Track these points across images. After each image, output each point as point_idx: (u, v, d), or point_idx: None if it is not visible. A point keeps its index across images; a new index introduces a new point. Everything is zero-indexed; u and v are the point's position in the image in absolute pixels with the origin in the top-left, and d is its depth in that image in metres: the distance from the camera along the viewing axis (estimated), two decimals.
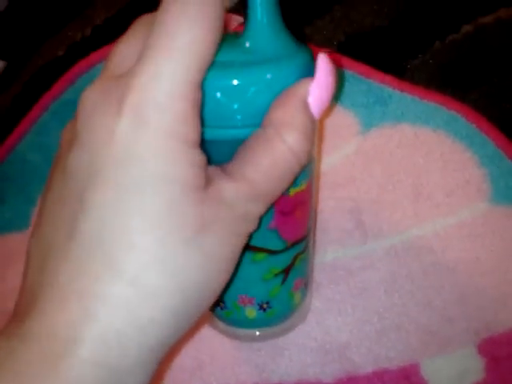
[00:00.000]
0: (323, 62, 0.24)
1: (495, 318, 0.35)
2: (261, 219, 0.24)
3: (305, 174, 0.28)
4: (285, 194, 0.26)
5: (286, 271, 0.30)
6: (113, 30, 0.51)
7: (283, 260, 0.30)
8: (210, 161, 0.23)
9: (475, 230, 0.38)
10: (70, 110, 0.46)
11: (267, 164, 0.22)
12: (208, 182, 0.22)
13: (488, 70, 0.43)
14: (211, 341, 0.36)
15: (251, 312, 0.31)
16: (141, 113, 0.20)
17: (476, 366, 0.34)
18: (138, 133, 0.20)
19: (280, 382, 0.36)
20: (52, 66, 0.51)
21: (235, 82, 0.23)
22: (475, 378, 0.34)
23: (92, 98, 0.23)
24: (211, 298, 0.22)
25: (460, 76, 0.44)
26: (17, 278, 0.42)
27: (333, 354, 0.36)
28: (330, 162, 0.41)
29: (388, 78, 0.43)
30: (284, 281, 0.30)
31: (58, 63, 0.51)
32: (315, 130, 0.25)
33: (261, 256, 0.28)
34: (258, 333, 0.33)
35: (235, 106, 0.23)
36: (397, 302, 0.36)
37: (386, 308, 0.36)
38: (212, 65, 0.22)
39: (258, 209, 0.23)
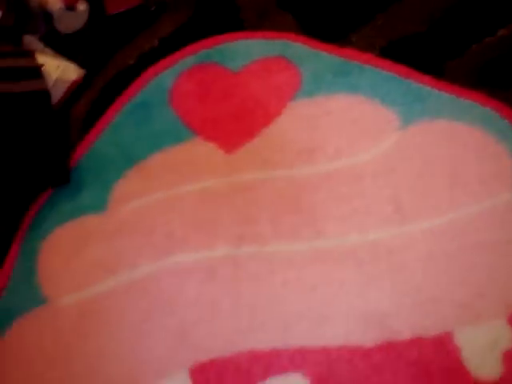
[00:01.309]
0: None
1: None
2: None
3: None
4: None
5: None
6: (177, 42, 0.58)
7: None
8: None
9: (507, 214, 0.41)
10: (141, 111, 0.54)
11: None
12: None
13: None
14: (263, 306, 0.41)
15: None
16: None
17: (506, 335, 0.37)
18: None
19: (325, 346, 0.40)
20: (124, 73, 0.58)
21: None
22: (506, 346, 0.37)
23: None
24: None
25: (495, 76, 0.47)
26: (93, 254, 0.49)
27: (373, 322, 0.39)
28: (372, 154, 0.46)
29: (426, 78, 0.48)
30: None
31: (130, 71, 0.57)
32: None
33: None
34: None
35: None
36: (433, 278, 0.40)
37: (423, 283, 0.40)
38: None
39: None
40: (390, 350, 0.39)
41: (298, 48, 0.52)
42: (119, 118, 0.53)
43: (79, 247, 0.48)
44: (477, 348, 0.37)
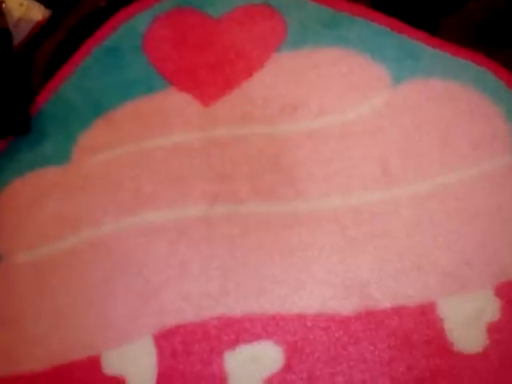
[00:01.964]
0: None
1: None
2: None
3: None
4: None
5: None
6: None
7: None
8: None
9: (498, 180, 0.39)
10: (112, 56, 0.49)
11: None
12: None
13: None
14: (236, 269, 0.38)
15: None
16: None
17: (492, 306, 0.36)
18: None
19: (300, 313, 0.37)
20: (94, 15, 0.53)
21: None
22: (490, 318, 0.35)
23: None
24: None
25: (491, 35, 0.44)
26: (53, 208, 0.45)
27: (353, 290, 0.37)
28: (360, 112, 0.42)
29: (420, 33, 0.44)
30: None
31: (100, 13, 0.53)
32: None
33: None
34: None
35: None
36: (418, 245, 0.38)
37: (407, 249, 0.38)
38: None
39: None
40: (369, 318, 0.36)
41: None
42: (87, 63, 0.49)
43: (38, 201, 0.44)
44: (461, 319, 0.36)
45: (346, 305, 0.37)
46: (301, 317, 0.37)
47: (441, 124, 0.41)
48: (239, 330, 0.37)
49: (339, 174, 0.41)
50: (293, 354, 0.37)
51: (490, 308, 0.35)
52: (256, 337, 0.37)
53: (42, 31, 0.53)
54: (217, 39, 0.48)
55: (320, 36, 0.46)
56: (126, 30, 0.49)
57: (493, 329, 0.35)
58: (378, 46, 0.44)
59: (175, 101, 0.46)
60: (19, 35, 0.53)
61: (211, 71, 0.47)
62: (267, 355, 0.37)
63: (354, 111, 0.42)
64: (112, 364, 0.38)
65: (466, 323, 0.35)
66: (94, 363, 0.39)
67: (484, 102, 0.41)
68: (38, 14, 0.54)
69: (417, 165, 0.40)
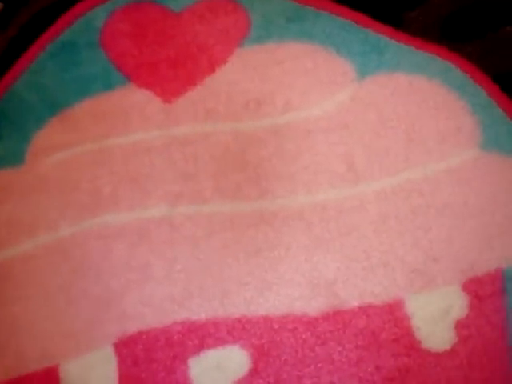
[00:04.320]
0: None
1: (480, 258, 0.36)
2: None
3: None
4: None
5: None
6: None
7: None
8: None
9: (465, 174, 0.38)
10: (68, 52, 0.47)
11: None
12: None
13: (483, 25, 0.44)
14: (200, 271, 0.37)
15: None
16: None
17: (460, 303, 0.35)
18: None
19: (267, 315, 0.36)
20: (49, 9, 0.50)
21: None
22: (458, 315, 0.35)
23: None
24: None
25: (455, 29, 0.44)
26: (7, 212, 0.43)
27: (319, 289, 0.36)
28: (324, 108, 0.42)
29: (385, 28, 0.44)
30: None
31: (55, 7, 0.50)
32: None
33: None
34: None
35: None
36: (384, 242, 0.37)
37: (374, 247, 0.37)
38: None
39: None
40: (336, 318, 0.35)
41: None
42: (42, 59, 0.47)
43: None
44: (428, 316, 0.35)
45: (313, 305, 0.36)
46: (267, 319, 0.36)
47: (406, 119, 0.40)
48: (203, 335, 0.36)
49: (305, 171, 0.40)
50: (259, 357, 0.36)
51: (457, 304, 0.35)
52: (221, 341, 0.36)
53: None
54: (178, 34, 0.46)
55: (284, 30, 0.45)
56: (82, 25, 0.47)
57: (461, 325, 0.35)
58: (343, 41, 0.43)
59: (135, 97, 0.44)
60: None
61: (172, 67, 0.45)
62: (233, 360, 0.36)
63: (319, 107, 0.42)
64: (70, 375, 0.36)
65: (433, 320, 0.35)
66: (51, 374, 0.37)
67: (449, 96, 0.41)
68: None
69: (382, 160, 0.39)
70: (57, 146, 0.44)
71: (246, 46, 0.46)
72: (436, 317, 0.35)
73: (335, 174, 0.39)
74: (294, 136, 0.41)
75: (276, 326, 0.36)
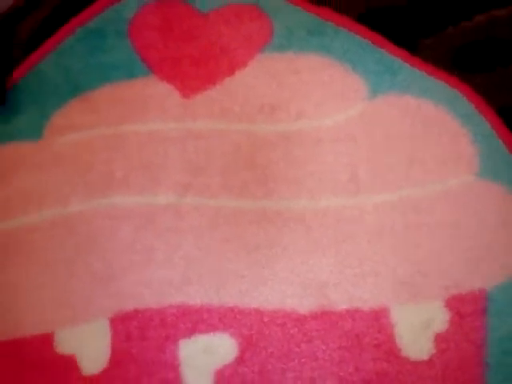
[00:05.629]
0: None
1: (465, 277, 0.38)
2: None
3: None
4: None
5: None
6: None
7: None
8: None
9: (460, 198, 0.40)
10: (96, 38, 0.49)
11: None
12: None
13: (494, 59, 0.46)
14: (201, 260, 0.39)
15: None
16: None
17: (441, 317, 0.37)
18: None
19: (259, 308, 0.38)
20: None
21: None
22: (439, 329, 0.37)
23: None
24: None
25: (466, 60, 0.46)
26: (20, 183, 0.44)
27: (311, 289, 0.38)
28: (335, 119, 0.44)
29: (400, 51, 0.46)
30: None
31: None
32: None
33: None
34: None
35: None
36: (378, 252, 0.39)
37: (367, 256, 0.39)
38: None
39: None
40: (324, 318, 0.37)
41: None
42: (70, 42, 0.48)
43: (4, 175, 0.44)
44: (411, 326, 0.37)
45: (303, 303, 0.38)
46: (258, 312, 0.38)
47: (410, 139, 0.42)
48: (196, 320, 0.38)
49: (311, 177, 0.42)
50: (247, 347, 0.37)
51: (439, 318, 0.37)
52: (212, 328, 0.38)
53: (26, 5, 0.53)
54: (203, 33, 0.48)
55: (304, 42, 0.47)
56: (112, 14, 0.49)
57: (440, 339, 0.37)
58: (360, 58, 0.46)
59: (155, 89, 0.46)
60: (2, 6, 0.52)
61: (195, 64, 0.47)
62: (221, 346, 0.37)
63: (331, 118, 0.44)
64: (64, 343, 0.38)
65: (415, 331, 0.37)
66: (46, 340, 0.38)
67: (453, 123, 0.43)
68: None
69: (384, 175, 0.41)
70: (74, 126, 0.46)
71: (266, 53, 0.48)
72: (418, 328, 0.37)
73: (339, 183, 0.41)
74: (303, 143, 0.43)
75: (266, 319, 0.38)
